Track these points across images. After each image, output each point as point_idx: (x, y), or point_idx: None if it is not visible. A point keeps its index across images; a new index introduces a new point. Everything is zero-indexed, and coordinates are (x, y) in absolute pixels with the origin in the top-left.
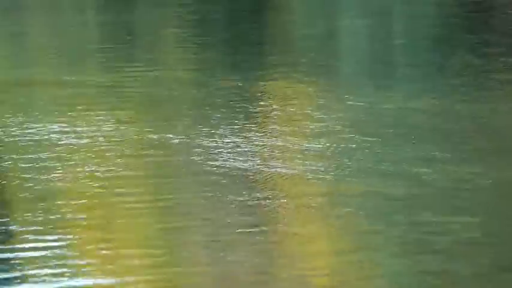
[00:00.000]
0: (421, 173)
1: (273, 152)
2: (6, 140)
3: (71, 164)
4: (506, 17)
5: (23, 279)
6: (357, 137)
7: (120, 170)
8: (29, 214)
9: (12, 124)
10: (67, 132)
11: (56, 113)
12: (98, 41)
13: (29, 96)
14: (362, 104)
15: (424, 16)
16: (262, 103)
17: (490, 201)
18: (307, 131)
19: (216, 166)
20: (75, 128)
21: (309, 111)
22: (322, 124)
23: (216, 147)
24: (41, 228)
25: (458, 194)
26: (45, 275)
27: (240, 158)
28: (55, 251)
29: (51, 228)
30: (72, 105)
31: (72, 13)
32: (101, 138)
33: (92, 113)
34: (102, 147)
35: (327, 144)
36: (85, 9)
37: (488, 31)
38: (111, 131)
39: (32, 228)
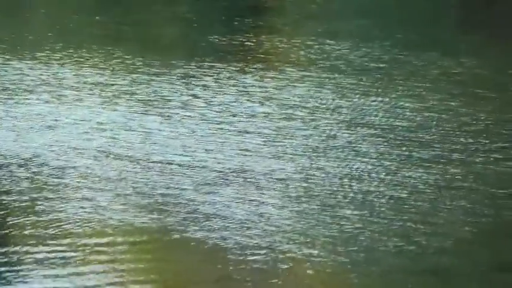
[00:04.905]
0: (411, 174)
1: (265, 151)
2: None
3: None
4: (504, 18)
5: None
6: (347, 138)
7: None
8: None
9: None
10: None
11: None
12: (95, 41)
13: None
14: (352, 104)
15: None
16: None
17: (483, 200)
18: (295, 130)
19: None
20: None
21: (298, 112)
22: (310, 125)
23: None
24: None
25: (453, 194)
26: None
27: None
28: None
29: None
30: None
31: (69, 13)
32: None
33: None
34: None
35: (315, 145)
36: (83, 10)
37: (487, 32)
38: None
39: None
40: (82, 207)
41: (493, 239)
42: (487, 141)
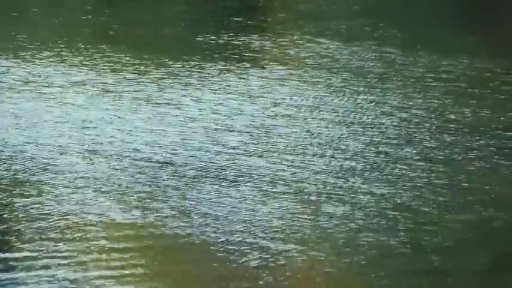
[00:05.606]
0: (396, 172)
1: (249, 149)
2: None
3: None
4: (500, 19)
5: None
6: (332, 135)
7: None
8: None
9: None
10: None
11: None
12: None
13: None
14: (337, 103)
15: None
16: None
17: (467, 198)
18: (280, 128)
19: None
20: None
21: (283, 110)
22: (295, 123)
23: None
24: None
25: (437, 192)
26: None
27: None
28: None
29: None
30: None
31: (62, 13)
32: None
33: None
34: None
35: (300, 142)
36: (76, 9)
37: (481, 33)
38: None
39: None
40: (64, 205)
41: (477, 237)
42: (471, 139)
